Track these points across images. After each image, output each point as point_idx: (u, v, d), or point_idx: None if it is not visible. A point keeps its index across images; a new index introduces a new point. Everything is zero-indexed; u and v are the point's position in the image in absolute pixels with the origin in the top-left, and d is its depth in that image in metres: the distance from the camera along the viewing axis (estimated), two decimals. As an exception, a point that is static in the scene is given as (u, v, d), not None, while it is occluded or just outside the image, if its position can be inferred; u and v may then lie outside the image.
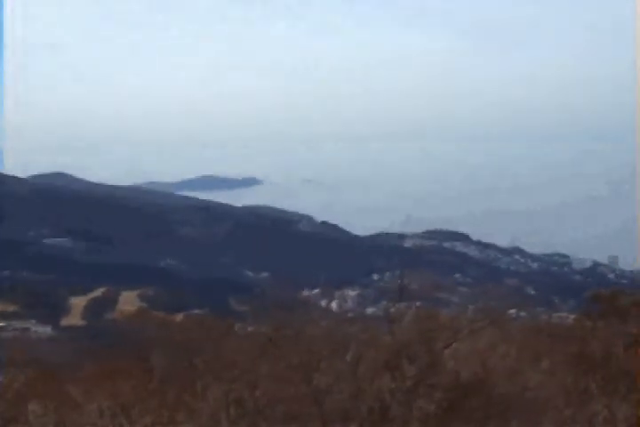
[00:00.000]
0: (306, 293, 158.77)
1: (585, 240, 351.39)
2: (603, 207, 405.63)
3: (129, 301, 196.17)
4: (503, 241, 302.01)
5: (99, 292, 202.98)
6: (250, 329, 46.26)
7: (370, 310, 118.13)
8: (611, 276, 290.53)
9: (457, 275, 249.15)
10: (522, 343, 40.96)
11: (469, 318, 38.52)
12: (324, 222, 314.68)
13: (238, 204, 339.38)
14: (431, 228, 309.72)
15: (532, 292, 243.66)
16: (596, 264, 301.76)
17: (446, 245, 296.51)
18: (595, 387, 34.25)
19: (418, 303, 42.28)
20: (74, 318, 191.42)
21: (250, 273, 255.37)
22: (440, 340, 34.40)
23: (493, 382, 32.06)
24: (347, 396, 31.70)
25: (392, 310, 37.60)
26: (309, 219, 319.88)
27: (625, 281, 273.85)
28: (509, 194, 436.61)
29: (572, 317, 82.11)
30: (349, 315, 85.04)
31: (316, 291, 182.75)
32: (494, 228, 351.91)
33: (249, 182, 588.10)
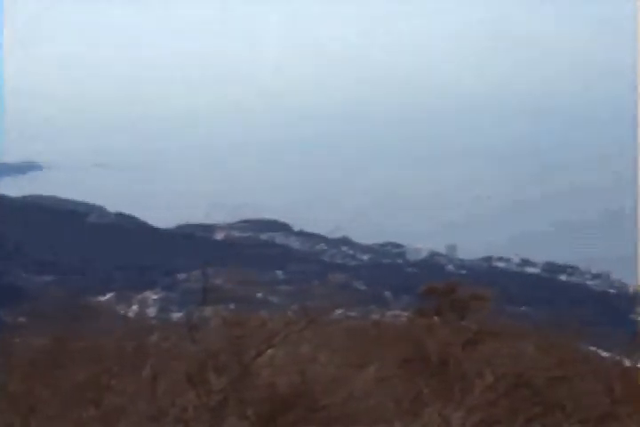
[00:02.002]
0: (98, 298, 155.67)
1: (420, 228, 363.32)
2: (443, 191, 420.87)
3: None
4: (329, 231, 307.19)
5: None
6: (27, 344, 44.85)
7: (176, 316, 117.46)
8: (449, 267, 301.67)
9: (277, 271, 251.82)
10: (348, 347, 41.86)
11: (287, 321, 38.93)
12: (119, 214, 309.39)
13: (14, 193, 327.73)
14: (245, 217, 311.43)
15: (362, 287, 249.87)
16: (432, 254, 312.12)
17: (264, 236, 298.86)
18: (428, 393, 35.51)
19: (228, 306, 42.35)
20: None
21: (28, 276, 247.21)
22: (252, 347, 34.58)
23: (315, 392, 32.59)
24: (143, 418, 31.31)
25: (196, 314, 37.45)
26: (101, 209, 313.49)
27: (464, 272, 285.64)
28: (336, 175, 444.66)
29: (406, 314, 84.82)
30: (150, 322, 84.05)
31: (111, 295, 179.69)
32: (318, 216, 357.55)
33: (27, 168, 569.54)
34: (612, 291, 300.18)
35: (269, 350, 35.37)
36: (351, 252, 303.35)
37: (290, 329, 37.11)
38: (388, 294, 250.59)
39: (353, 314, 78.65)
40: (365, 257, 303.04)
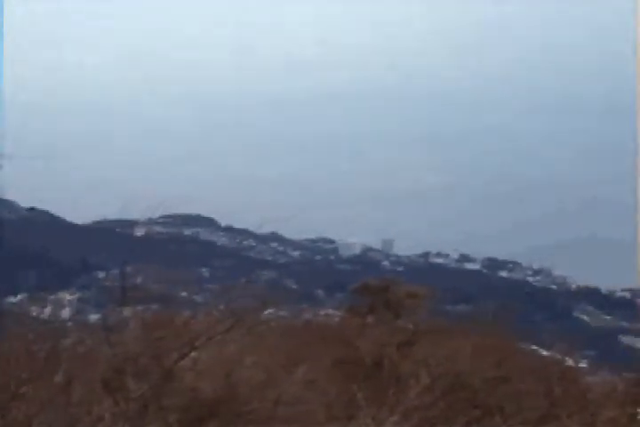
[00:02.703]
0: (8, 299, 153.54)
1: (353, 222, 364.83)
2: (372, 184, 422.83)
3: None
4: (257, 226, 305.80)
5: None
6: None
7: (92, 317, 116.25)
8: (385, 263, 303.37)
9: (202, 269, 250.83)
10: (277, 349, 41.94)
11: (212, 322, 38.82)
12: (32, 209, 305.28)
13: None
14: (168, 211, 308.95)
15: (293, 285, 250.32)
16: (366, 250, 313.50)
17: (188, 232, 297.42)
18: (362, 396, 35.75)
19: (149, 306, 42.09)
20: None
21: None
22: (174, 350, 34.42)
23: (241, 397, 32.61)
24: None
25: (114, 316, 37.16)
26: (11, 204, 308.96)
27: (401, 268, 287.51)
28: (259, 162, 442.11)
29: (339, 313, 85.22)
30: (65, 324, 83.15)
31: (22, 296, 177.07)
32: (246, 209, 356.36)
33: None
34: (553, 287, 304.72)
35: (193, 353, 35.25)
36: (281, 248, 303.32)
37: (215, 330, 37.00)
38: (319, 292, 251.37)
39: (283, 314, 78.82)
40: (296, 253, 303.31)
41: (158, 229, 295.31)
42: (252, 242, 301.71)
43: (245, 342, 40.05)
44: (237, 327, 39.14)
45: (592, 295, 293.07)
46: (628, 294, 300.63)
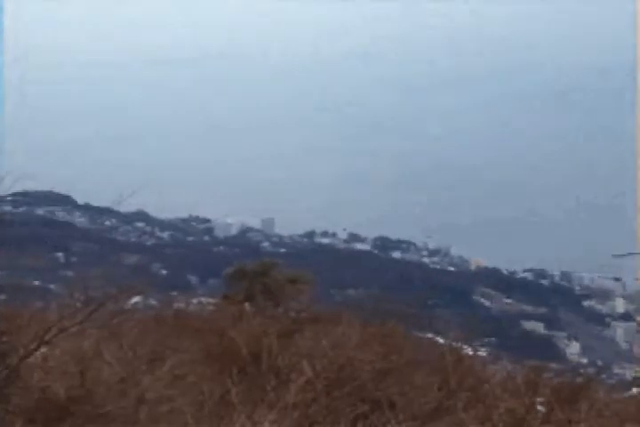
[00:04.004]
0: None
1: (233, 198, 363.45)
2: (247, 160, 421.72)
3: None
4: (118, 202, 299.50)
5: None
6: None
7: None
8: (265, 244, 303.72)
9: (58, 253, 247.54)
10: (140, 342, 41.73)
11: (66, 313, 38.42)
12: None
13: None
14: (17, 188, 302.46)
15: (163, 271, 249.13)
16: (245, 230, 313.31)
17: (40, 211, 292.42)
18: (237, 393, 35.82)
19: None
20: None
21: None
22: (21, 346, 33.98)
23: (97, 396, 32.37)
24: None
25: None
26: None
27: (283, 250, 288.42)
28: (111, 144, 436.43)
29: (214, 301, 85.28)
30: None
31: None
32: (105, 184, 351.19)
33: None
34: (451, 269, 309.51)
35: (42, 349, 34.83)
36: (148, 228, 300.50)
37: (69, 322, 36.59)
38: (192, 277, 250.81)
39: (150, 303, 78.40)
40: (165, 234, 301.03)
41: (6, 208, 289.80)
42: (114, 222, 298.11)
43: (104, 336, 39.75)
44: (95, 319, 38.80)
45: (492, 277, 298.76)
46: (530, 275, 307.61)
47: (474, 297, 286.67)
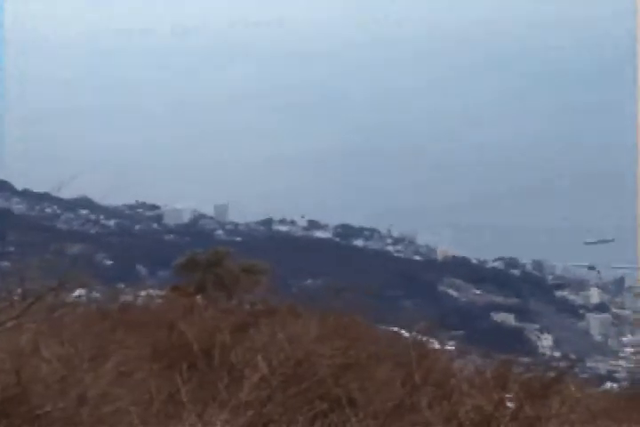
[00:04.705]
0: None
1: (183, 183, 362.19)
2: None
3: None
4: (58, 188, 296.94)
5: None
6: None
7: None
8: (219, 232, 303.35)
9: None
10: (83, 337, 41.58)
11: (0, 307, 38.37)
12: None
13: None
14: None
15: (109, 261, 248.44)
16: (197, 217, 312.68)
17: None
18: (187, 391, 35.71)
19: None
20: None
21: None
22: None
23: (35, 396, 32.18)
24: None
25: None
26: None
27: (239, 239, 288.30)
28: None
29: (163, 293, 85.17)
30: None
31: None
32: (46, 168, 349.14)
33: None
34: (417, 258, 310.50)
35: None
36: (92, 216, 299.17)
37: (5, 316, 36.45)
38: (140, 268, 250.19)
39: (95, 295, 78.17)
40: (111, 222, 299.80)
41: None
42: (55, 209, 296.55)
43: (43, 331, 39.56)
44: (34, 313, 38.62)
45: (460, 267, 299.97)
46: (500, 264, 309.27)
47: (441, 288, 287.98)
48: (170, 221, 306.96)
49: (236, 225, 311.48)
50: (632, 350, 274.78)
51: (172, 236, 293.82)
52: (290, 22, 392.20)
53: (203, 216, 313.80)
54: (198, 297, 75.60)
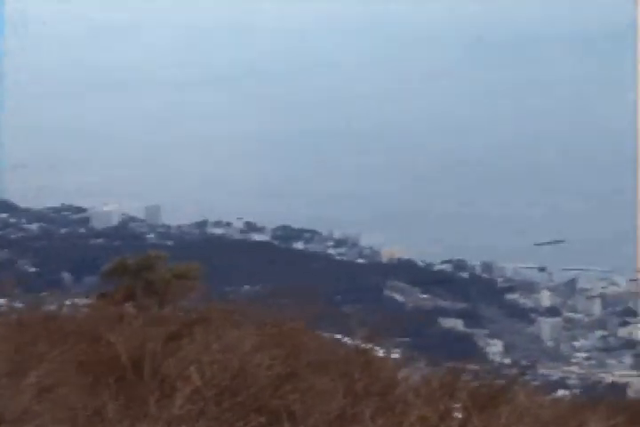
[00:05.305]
0: None
1: (111, 184, 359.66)
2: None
3: None
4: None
5: None
6: None
7: None
8: (150, 236, 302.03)
9: None
10: (1, 351, 41.13)
11: None
12: None
13: None
14: None
15: (31, 268, 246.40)
16: (127, 220, 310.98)
17: None
18: (114, 407, 35.45)
19: None
20: None
21: None
22: None
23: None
24: None
25: None
26: None
27: (171, 242, 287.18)
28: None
29: (90, 302, 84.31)
30: None
31: None
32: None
33: None
34: (360, 261, 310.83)
35: None
36: (13, 219, 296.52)
37: None
38: (65, 275, 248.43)
39: (14, 305, 77.27)
40: (34, 226, 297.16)
41: None
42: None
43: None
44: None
45: (406, 270, 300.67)
46: (448, 267, 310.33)
47: (385, 292, 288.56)
48: (97, 224, 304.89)
49: (169, 228, 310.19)
50: (584, 355, 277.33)
51: (99, 240, 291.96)
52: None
53: (133, 219, 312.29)
54: (127, 305, 74.88)
